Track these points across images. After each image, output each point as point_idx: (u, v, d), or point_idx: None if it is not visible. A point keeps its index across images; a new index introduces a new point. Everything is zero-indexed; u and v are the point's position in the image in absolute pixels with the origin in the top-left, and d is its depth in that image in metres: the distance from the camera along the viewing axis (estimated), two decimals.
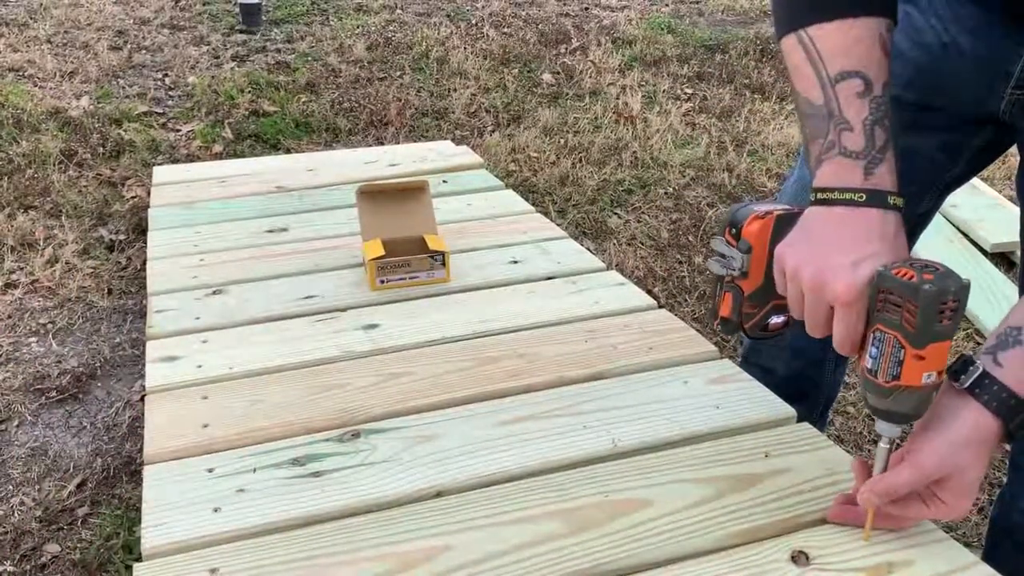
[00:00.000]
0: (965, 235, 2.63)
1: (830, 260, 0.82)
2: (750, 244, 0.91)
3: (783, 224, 0.89)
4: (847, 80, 0.85)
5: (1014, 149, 1.13)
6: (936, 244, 2.55)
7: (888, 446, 0.85)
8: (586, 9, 4.80)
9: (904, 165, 0.91)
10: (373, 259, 1.47)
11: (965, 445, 0.81)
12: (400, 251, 1.49)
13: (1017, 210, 1.54)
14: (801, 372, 1.43)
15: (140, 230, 2.38)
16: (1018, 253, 2.28)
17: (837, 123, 0.85)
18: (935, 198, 1.22)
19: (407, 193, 1.59)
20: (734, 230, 0.92)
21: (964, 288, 0.77)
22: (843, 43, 0.86)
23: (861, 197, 0.84)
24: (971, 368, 0.82)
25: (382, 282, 1.49)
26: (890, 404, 0.81)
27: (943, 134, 1.12)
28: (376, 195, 1.56)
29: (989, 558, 1.15)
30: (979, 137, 1.13)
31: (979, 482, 0.83)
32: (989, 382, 0.81)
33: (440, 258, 1.51)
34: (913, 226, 1.23)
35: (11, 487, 1.60)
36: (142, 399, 1.45)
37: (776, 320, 0.96)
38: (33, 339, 2.01)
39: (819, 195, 0.86)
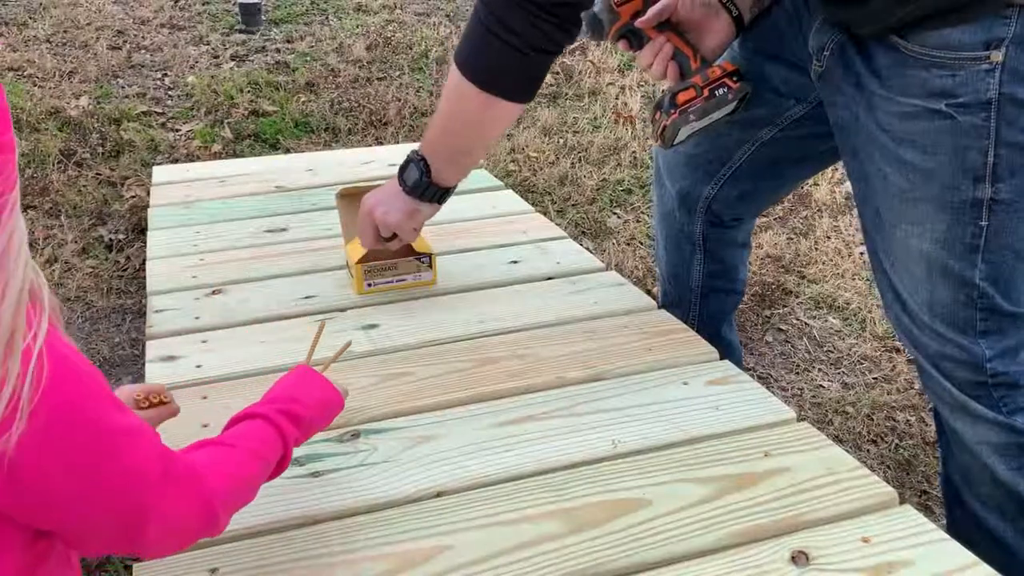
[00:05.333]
0: None
1: None
2: None
3: None
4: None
5: None
6: None
7: None
8: None
9: (758, 86, 1.24)
10: (359, 263, 1.46)
11: None
12: (384, 254, 1.46)
13: None
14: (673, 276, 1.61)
15: (139, 230, 2.37)
16: None
17: None
18: (780, 132, 1.34)
19: None
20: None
21: None
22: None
23: None
24: None
25: (369, 285, 1.47)
26: None
27: (790, 71, 1.26)
28: (356, 197, 1.53)
29: (950, 529, 1.17)
30: (816, 91, 1.23)
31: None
32: None
33: (427, 260, 1.50)
34: (754, 152, 1.38)
35: None
36: None
37: None
38: None
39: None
